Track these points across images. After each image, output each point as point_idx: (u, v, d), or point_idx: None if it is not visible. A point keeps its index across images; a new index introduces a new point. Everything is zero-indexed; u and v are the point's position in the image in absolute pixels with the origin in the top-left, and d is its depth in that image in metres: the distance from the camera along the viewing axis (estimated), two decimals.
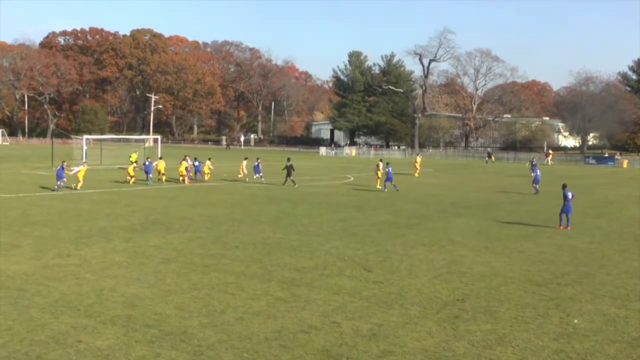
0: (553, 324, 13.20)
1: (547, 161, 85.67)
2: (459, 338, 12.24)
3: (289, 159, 44.57)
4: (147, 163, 45.38)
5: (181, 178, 44.90)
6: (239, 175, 47.70)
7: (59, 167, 39.19)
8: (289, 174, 43.17)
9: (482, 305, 14.52)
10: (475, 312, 13.96)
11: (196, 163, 46.41)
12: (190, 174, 45.68)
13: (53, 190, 37.39)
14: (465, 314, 13.78)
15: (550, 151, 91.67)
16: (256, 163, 47.90)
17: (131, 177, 43.72)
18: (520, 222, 27.92)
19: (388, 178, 40.96)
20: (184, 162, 45.64)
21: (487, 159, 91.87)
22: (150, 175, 44.21)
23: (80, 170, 39.43)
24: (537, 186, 41.78)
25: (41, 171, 48.35)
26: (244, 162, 48.57)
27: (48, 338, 11.70)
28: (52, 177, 43.36)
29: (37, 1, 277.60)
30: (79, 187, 38.25)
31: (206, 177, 46.10)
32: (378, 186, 42.97)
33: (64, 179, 38.20)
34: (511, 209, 33.41)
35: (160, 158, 49.06)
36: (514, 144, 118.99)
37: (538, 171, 43.24)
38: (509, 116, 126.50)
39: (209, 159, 48.42)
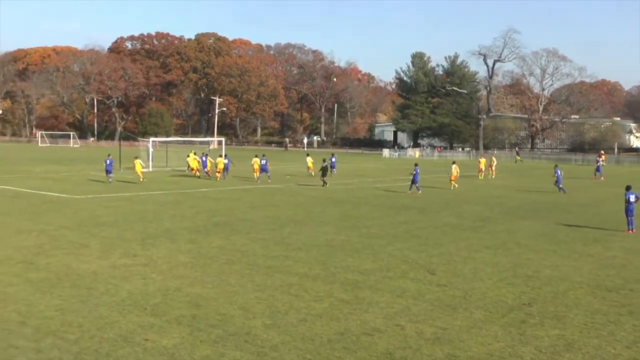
0: (626, 332, 12.80)
1: (600, 162, 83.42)
2: (525, 343, 11.98)
3: (324, 160, 45.26)
4: (203, 158, 50.68)
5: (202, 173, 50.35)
6: (312, 174, 51.85)
7: (107, 162, 43.61)
8: (324, 175, 43.48)
9: (549, 310, 14.19)
10: (542, 317, 13.66)
11: (203, 158, 50.86)
12: (207, 168, 50.19)
13: (109, 182, 42.86)
14: (532, 319, 13.49)
15: (602, 152, 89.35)
16: (333, 159, 53.23)
17: (194, 170, 50.63)
18: (588, 226, 27.23)
19: (414, 180, 40.41)
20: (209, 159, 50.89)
21: (516, 157, 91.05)
22: (206, 170, 49.87)
23: (135, 166, 44.03)
24: (561, 186, 42.20)
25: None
26: (309, 159, 54.09)
27: (116, 336, 11.94)
28: (118, 179, 44.71)
29: (106, 8, 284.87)
30: (142, 180, 43.41)
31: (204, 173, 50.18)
32: (452, 188, 43.24)
33: (112, 175, 43.74)
34: (578, 211, 32.64)
35: (194, 153, 53.13)
36: (582, 145, 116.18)
37: (559, 172, 43.12)
38: (577, 117, 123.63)
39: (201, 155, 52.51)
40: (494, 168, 58.60)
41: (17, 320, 12.77)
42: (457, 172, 44.28)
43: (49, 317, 12.99)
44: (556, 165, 45.77)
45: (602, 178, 57.09)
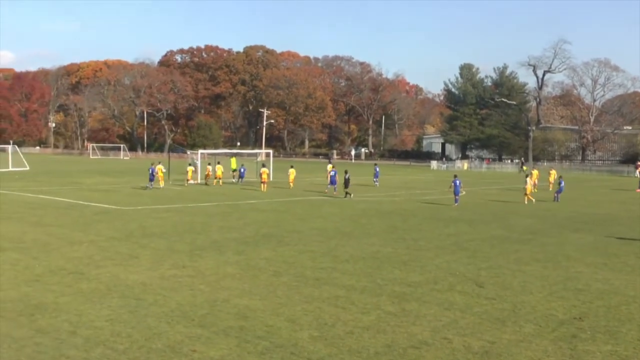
0: None
1: (637, 173, 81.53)
2: (576, 359, 11.74)
3: (346, 172, 45.80)
4: (242, 169, 56.21)
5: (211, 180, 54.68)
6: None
7: (150, 170, 48.60)
8: (346, 186, 44.20)
9: (601, 324, 13.89)
10: (594, 331, 13.38)
11: (242, 169, 56.24)
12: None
13: (145, 189, 47.71)
14: (583, 334, 13.22)
15: (639, 162, 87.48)
16: (376, 169, 57.54)
17: (217, 178, 54.36)
18: None
19: (455, 192, 40.16)
20: (219, 166, 55.08)
21: (520, 168, 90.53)
22: (242, 179, 55.53)
23: (158, 172, 48.99)
24: (556, 194, 44.39)
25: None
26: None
27: (164, 346, 12.04)
28: (166, 191, 45.42)
29: (156, 22, 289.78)
30: (162, 185, 48.77)
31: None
32: (526, 202, 42.01)
33: (152, 182, 48.02)
34: (632, 224, 31.94)
35: (218, 163, 57.22)
36: (635, 157, 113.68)
37: (563, 182, 45.04)
38: (630, 128, 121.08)
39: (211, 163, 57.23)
40: (552, 181, 57.03)
41: (68, 329, 12.99)
42: (531, 186, 43.86)
43: (99, 327, 13.19)
44: (560, 177, 47.34)
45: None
